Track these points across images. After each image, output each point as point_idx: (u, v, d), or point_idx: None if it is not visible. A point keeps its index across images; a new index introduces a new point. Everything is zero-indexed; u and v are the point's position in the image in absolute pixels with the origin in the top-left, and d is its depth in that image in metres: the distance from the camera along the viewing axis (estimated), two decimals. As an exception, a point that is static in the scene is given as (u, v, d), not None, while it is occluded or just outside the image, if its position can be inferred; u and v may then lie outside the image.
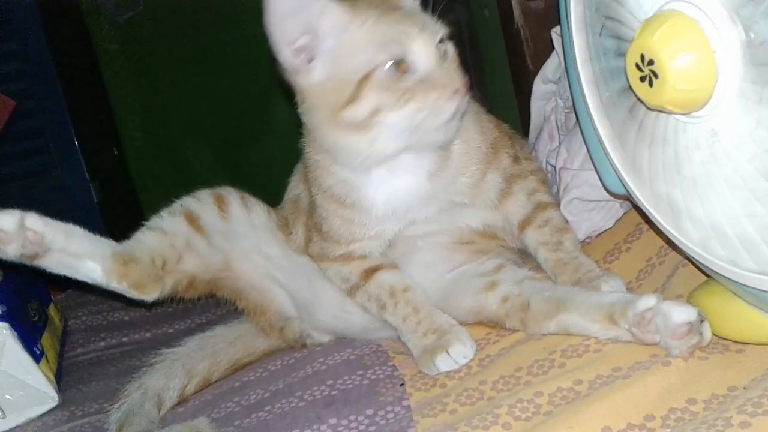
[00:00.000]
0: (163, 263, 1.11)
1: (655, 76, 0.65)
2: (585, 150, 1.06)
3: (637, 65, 0.67)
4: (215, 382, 1.19)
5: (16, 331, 1.19)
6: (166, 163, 2.54)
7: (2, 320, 1.18)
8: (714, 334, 0.79)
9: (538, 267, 1.09)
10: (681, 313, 0.77)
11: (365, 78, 0.87)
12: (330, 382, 1.00)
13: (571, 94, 1.00)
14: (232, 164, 2.53)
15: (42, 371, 1.20)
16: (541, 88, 1.34)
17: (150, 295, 1.10)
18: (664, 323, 0.78)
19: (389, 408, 0.89)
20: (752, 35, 0.60)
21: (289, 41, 0.88)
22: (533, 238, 1.07)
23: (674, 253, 0.96)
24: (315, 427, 0.89)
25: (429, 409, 0.84)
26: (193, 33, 2.41)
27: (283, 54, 0.89)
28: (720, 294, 0.77)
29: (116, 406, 1.07)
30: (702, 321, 0.77)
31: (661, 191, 0.77)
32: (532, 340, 0.93)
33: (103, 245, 1.07)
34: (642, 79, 0.67)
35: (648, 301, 0.80)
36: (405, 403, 0.89)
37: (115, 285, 1.07)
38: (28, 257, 1.01)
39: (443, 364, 0.94)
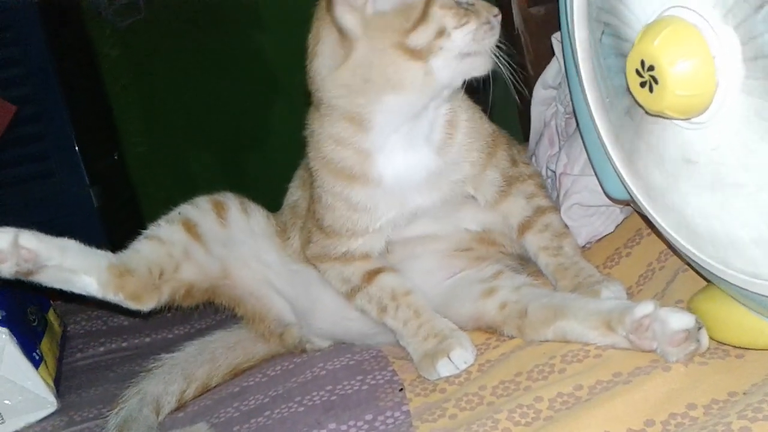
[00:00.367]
0: (160, 273, 1.11)
1: (656, 81, 0.65)
2: (585, 155, 1.06)
3: (637, 71, 0.67)
4: (214, 387, 1.18)
5: (15, 336, 1.18)
6: (167, 169, 2.54)
7: (1, 325, 1.17)
8: (714, 340, 0.78)
9: (537, 272, 1.09)
10: (678, 320, 0.76)
11: (439, 15, 0.92)
12: (329, 387, 1.00)
13: (572, 99, 1.00)
14: (233, 169, 2.53)
15: (41, 376, 1.20)
16: (541, 93, 1.34)
17: (146, 305, 1.10)
18: (661, 330, 0.77)
19: (389, 413, 0.89)
20: (752, 42, 0.60)
21: None
22: (533, 242, 1.07)
23: (674, 258, 0.96)
24: (314, 431, 0.89)
25: (428, 414, 0.84)
26: (194, 39, 2.42)
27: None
28: (720, 299, 0.77)
29: (115, 411, 1.07)
30: (699, 328, 0.77)
31: (660, 194, 0.77)
32: (533, 346, 0.92)
33: (99, 258, 1.07)
34: (642, 84, 0.67)
35: (645, 308, 0.80)
36: (404, 408, 0.89)
37: (112, 297, 1.07)
38: (23, 274, 1.01)
39: (444, 368, 0.93)
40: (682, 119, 0.68)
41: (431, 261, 1.10)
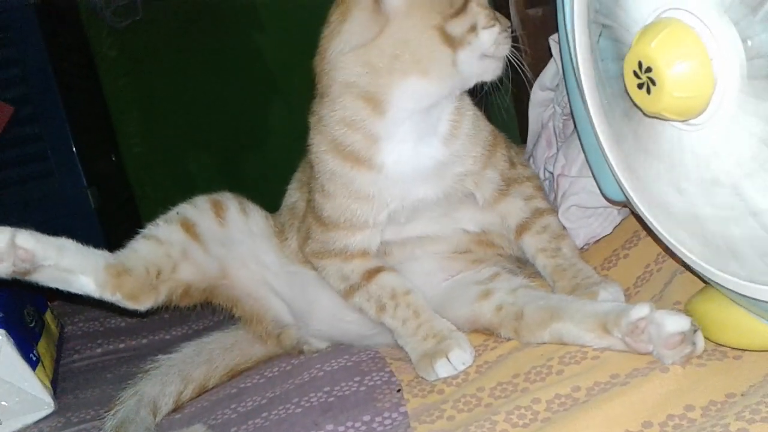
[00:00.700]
0: (157, 273, 1.11)
1: (653, 83, 0.65)
2: (583, 157, 1.06)
3: (634, 72, 0.67)
4: (211, 388, 1.18)
5: (12, 337, 1.18)
6: (165, 169, 2.54)
7: (-1, 326, 1.17)
8: (712, 341, 0.79)
9: (535, 274, 1.09)
10: (674, 323, 0.76)
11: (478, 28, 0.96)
12: (327, 388, 1.00)
13: (569, 100, 1.00)
14: (231, 170, 2.53)
15: (38, 378, 1.20)
16: (539, 95, 1.35)
17: (144, 305, 1.10)
18: (657, 332, 0.77)
19: (386, 414, 0.89)
20: (749, 43, 0.60)
21: None
22: (531, 244, 1.07)
23: (672, 260, 0.96)
24: (312, 433, 0.89)
25: (426, 416, 0.84)
26: (192, 39, 2.42)
27: None
28: (718, 301, 0.77)
29: (112, 412, 1.07)
30: (695, 331, 0.77)
31: (656, 197, 0.77)
32: (530, 347, 0.92)
33: (96, 258, 1.07)
34: (640, 86, 0.67)
35: (641, 310, 0.80)
36: (402, 409, 0.89)
37: (109, 296, 1.07)
38: (20, 274, 1.01)
39: (442, 369, 0.93)
40: (679, 121, 0.68)
41: (430, 263, 1.10)
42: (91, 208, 2.09)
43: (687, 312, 0.82)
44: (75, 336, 1.58)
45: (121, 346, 1.52)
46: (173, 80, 2.48)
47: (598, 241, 1.14)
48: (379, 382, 0.98)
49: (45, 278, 1.04)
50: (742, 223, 0.66)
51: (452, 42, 0.95)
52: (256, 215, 1.22)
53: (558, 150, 1.22)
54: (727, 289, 0.71)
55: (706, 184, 0.68)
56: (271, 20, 2.37)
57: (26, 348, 1.22)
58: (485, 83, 1.02)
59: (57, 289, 1.06)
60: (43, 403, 1.19)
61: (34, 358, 1.23)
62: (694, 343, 0.77)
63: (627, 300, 0.97)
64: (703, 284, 0.82)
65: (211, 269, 1.17)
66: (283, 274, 1.19)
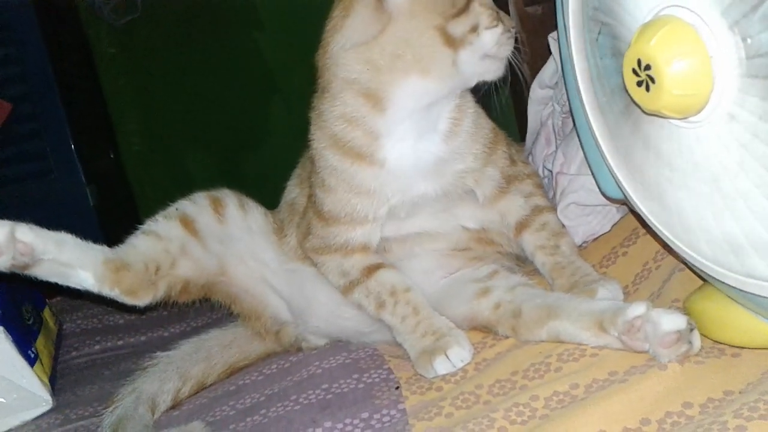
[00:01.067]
0: (156, 268, 1.11)
1: (652, 81, 0.65)
2: (582, 155, 1.06)
3: (633, 70, 0.67)
4: (210, 385, 1.18)
5: (10, 334, 1.18)
6: (164, 168, 2.54)
7: (-3, 323, 1.17)
8: (710, 339, 0.79)
9: (534, 272, 1.09)
10: (670, 322, 0.76)
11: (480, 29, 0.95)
12: (325, 385, 1.00)
13: (568, 98, 1.00)
14: (231, 168, 2.53)
15: (36, 374, 1.20)
16: (538, 93, 1.35)
17: (142, 301, 1.10)
18: (653, 331, 0.77)
19: (385, 411, 0.89)
20: (749, 41, 0.61)
21: None
22: (530, 241, 1.07)
23: (671, 257, 0.96)
24: (310, 430, 0.89)
25: (425, 413, 0.84)
26: (192, 37, 2.42)
27: None
28: (716, 298, 0.77)
29: (110, 409, 1.07)
30: (692, 329, 0.77)
31: (654, 193, 0.77)
32: (529, 345, 0.92)
33: (95, 252, 1.07)
34: (639, 83, 0.67)
35: (637, 309, 0.80)
36: (401, 406, 0.89)
37: (108, 291, 1.07)
38: (19, 268, 1.01)
39: (441, 366, 0.93)
40: (678, 118, 0.68)
41: (429, 260, 1.10)
42: (89, 206, 2.09)
43: (685, 310, 0.82)
44: (73, 333, 1.58)
45: (120, 343, 1.52)
46: (172, 78, 2.48)
47: (596, 238, 1.14)
48: (377, 380, 0.98)
49: (44, 272, 1.04)
50: (740, 220, 0.66)
51: (453, 42, 0.95)
52: (255, 212, 1.22)
53: (557, 148, 1.22)
54: (726, 285, 0.71)
55: (705, 181, 0.68)
56: (271, 18, 2.37)
57: (24, 345, 1.22)
58: (486, 82, 1.02)
59: (56, 285, 1.06)
60: (42, 400, 1.19)
61: (33, 355, 1.23)
62: (690, 342, 0.77)
63: (626, 297, 0.97)
64: (701, 282, 0.82)
65: (210, 266, 1.17)
66: (281, 272, 1.19)
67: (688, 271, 0.88)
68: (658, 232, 0.79)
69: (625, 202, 0.88)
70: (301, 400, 0.98)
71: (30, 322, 1.34)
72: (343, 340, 1.15)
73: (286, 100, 2.38)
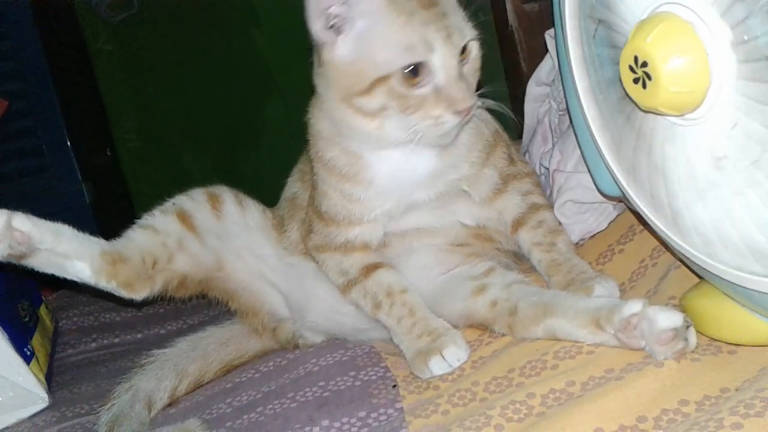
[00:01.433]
0: (153, 262, 1.11)
1: (649, 78, 0.65)
2: (578, 152, 1.06)
3: (630, 67, 0.67)
4: (207, 383, 1.18)
5: (6, 331, 1.18)
6: (160, 164, 2.53)
7: (-8, 321, 1.17)
8: (706, 336, 0.79)
9: (531, 269, 1.09)
10: (666, 319, 0.76)
11: (381, 79, 0.89)
12: (322, 383, 1.00)
13: (565, 96, 1.00)
14: (227, 165, 2.52)
15: (32, 372, 1.19)
16: (534, 90, 1.35)
17: (139, 295, 1.10)
18: (649, 329, 0.77)
19: (382, 410, 0.89)
20: (745, 38, 0.60)
21: (323, 7, 0.88)
22: (527, 238, 1.07)
23: (667, 254, 0.96)
24: (307, 428, 0.89)
25: (421, 410, 0.84)
26: (188, 34, 2.41)
27: (314, 18, 0.90)
28: (712, 295, 0.77)
29: (106, 407, 1.07)
30: (688, 327, 0.77)
31: (650, 189, 0.77)
32: (525, 342, 0.92)
33: (92, 244, 1.07)
34: (636, 81, 0.67)
35: (634, 307, 0.80)
36: (398, 405, 0.88)
37: (104, 284, 1.07)
38: (16, 257, 1.01)
39: (437, 366, 0.93)
40: (675, 116, 0.68)
41: (427, 256, 1.10)
42: (86, 203, 2.08)
43: (682, 307, 0.82)
44: (69, 330, 1.58)
45: (116, 340, 1.52)
46: (169, 75, 2.47)
47: (593, 236, 1.14)
48: (374, 377, 0.98)
49: (40, 263, 1.03)
50: (734, 218, 0.66)
51: (366, 114, 0.92)
52: (253, 208, 1.22)
53: (553, 145, 1.22)
54: (723, 280, 0.71)
55: (700, 178, 0.68)
56: (268, 16, 2.37)
57: (20, 342, 1.21)
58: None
59: (53, 278, 1.06)
60: (38, 397, 1.19)
61: (29, 353, 1.22)
62: (686, 339, 0.77)
63: (622, 295, 0.97)
64: (698, 279, 0.82)
65: (207, 261, 1.17)
66: (280, 267, 1.19)
67: (684, 268, 0.88)
68: (655, 228, 0.79)
69: (621, 200, 0.88)
70: (297, 397, 0.98)
71: (26, 319, 1.33)
72: (341, 338, 1.15)
73: (283, 97, 2.38)
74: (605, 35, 0.79)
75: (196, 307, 1.25)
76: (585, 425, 0.70)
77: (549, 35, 1.25)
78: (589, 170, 0.98)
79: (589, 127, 0.89)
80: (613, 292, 0.95)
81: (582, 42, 0.86)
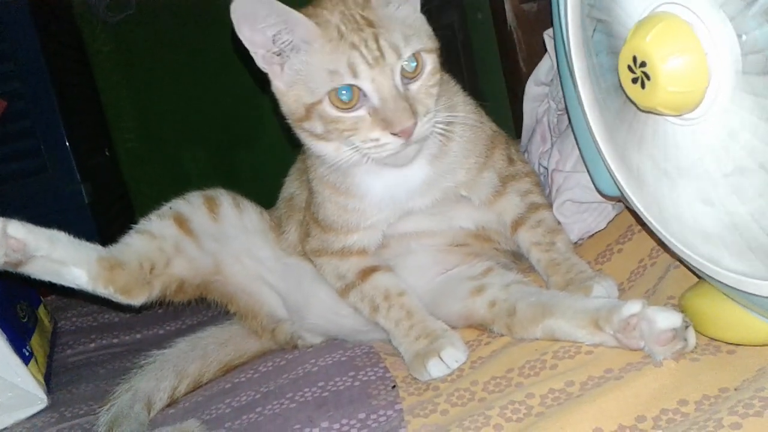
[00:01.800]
0: (151, 267, 1.11)
1: (647, 77, 0.65)
2: (577, 152, 1.06)
3: (629, 67, 0.67)
4: (206, 383, 1.18)
5: (4, 332, 1.18)
6: (159, 165, 2.53)
7: (-9, 321, 1.17)
8: (705, 336, 0.79)
9: (530, 269, 1.09)
10: (665, 320, 0.76)
11: (314, 104, 0.90)
12: (321, 383, 1.00)
13: (564, 95, 1.00)
14: (226, 166, 2.53)
15: (31, 373, 1.19)
16: (533, 90, 1.34)
17: (137, 300, 1.10)
18: (648, 329, 0.77)
19: (381, 412, 0.88)
20: (744, 38, 0.60)
21: (263, 44, 0.90)
22: (526, 238, 1.07)
23: (666, 254, 0.96)
24: (307, 429, 0.89)
25: (420, 409, 0.84)
26: (186, 34, 2.41)
27: (253, 54, 0.91)
28: (711, 295, 0.77)
29: (106, 408, 1.07)
30: (687, 327, 0.77)
31: (650, 190, 0.77)
32: (524, 342, 0.92)
33: (89, 250, 1.07)
34: (634, 80, 0.67)
35: (633, 307, 0.80)
36: (398, 407, 0.88)
37: (102, 290, 1.07)
38: (12, 265, 1.01)
39: (435, 369, 0.93)
40: (674, 115, 0.68)
41: (426, 256, 1.10)
42: (84, 203, 2.08)
43: (681, 307, 0.82)
44: (68, 331, 1.58)
45: (115, 341, 1.52)
46: (167, 75, 2.47)
47: (592, 236, 1.14)
48: (373, 378, 0.98)
49: (37, 270, 1.03)
50: (735, 217, 0.66)
51: (318, 137, 0.93)
52: (250, 211, 1.22)
53: (552, 145, 1.22)
54: (721, 282, 0.71)
55: (701, 178, 0.68)
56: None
57: (19, 343, 1.21)
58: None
59: (51, 284, 1.06)
60: (37, 398, 1.19)
61: (27, 354, 1.22)
62: (685, 339, 0.77)
63: (621, 294, 0.97)
64: (696, 279, 0.82)
65: (205, 264, 1.17)
66: (278, 268, 1.19)
67: (683, 268, 0.88)
68: (653, 229, 0.79)
69: (620, 199, 0.88)
70: (296, 398, 0.98)
71: (25, 320, 1.33)
72: (340, 338, 1.15)
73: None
74: (604, 40, 0.79)
75: (194, 307, 1.25)
76: (584, 425, 0.70)
77: (547, 35, 1.25)
78: (587, 170, 0.98)
79: (589, 128, 0.89)
80: (611, 292, 0.95)
81: (584, 49, 0.86)
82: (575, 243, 1.13)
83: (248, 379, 1.12)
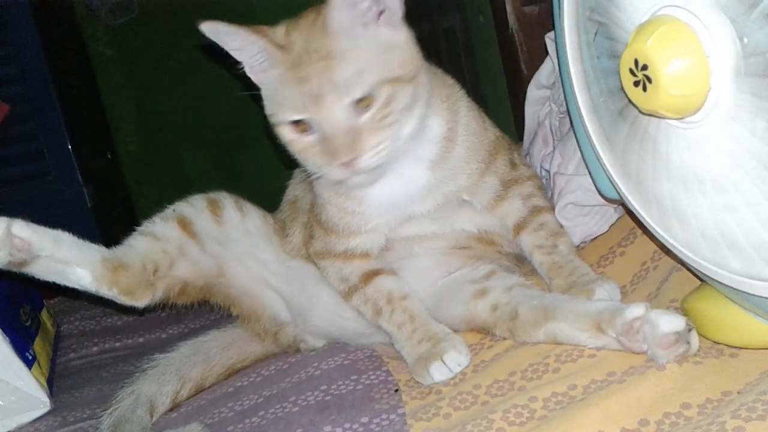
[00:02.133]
0: (154, 269, 1.11)
1: (649, 81, 0.65)
2: (579, 155, 1.06)
3: (630, 70, 0.67)
4: (208, 387, 1.18)
5: (7, 335, 1.18)
6: (161, 168, 2.54)
7: (-6, 325, 1.17)
8: (708, 339, 0.79)
9: (533, 272, 1.09)
10: (668, 323, 0.76)
11: (277, 125, 0.93)
12: (324, 387, 1.00)
13: (565, 98, 1.00)
14: (228, 169, 2.53)
15: (34, 376, 1.19)
16: (535, 93, 1.34)
17: (141, 302, 1.10)
18: (651, 332, 0.77)
19: (384, 416, 0.88)
20: (746, 41, 0.60)
21: (243, 58, 0.97)
22: (528, 241, 1.07)
23: (668, 257, 0.96)
24: (309, 432, 0.89)
25: (423, 413, 0.84)
26: (188, 37, 2.41)
27: (246, 65, 0.96)
28: (714, 298, 0.77)
29: (108, 411, 1.07)
30: (690, 330, 0.77)
31: (651, 194, 0.77)
32: (527, 345, 0.92)
33: (93, 251, 1.07)
34: (636, 83, 0.67)
35: (636, 310, 0.80)
36: (400, 411, 0.88)
37: (105, 291, 1.07)
38: (16, 264, 1.01)
39: (438, 372, 0.93)
40: (675, 119, 0.68)
41: (429, 259, 1.10)
42: (87, 206, 2.08)
43: (683, 310, 0.82)
44: (71, 335, 1.58)
45: (118, 344, 1.52)
46: (169, 78, 2.47)
47: (594, 239, 1.14)
48: (375, 381, 0.98)
49: (41, 270, 1.03)
50: (738, 220, 0.66)
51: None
52: (254, 214, 1.22)
53: (554, 148, 1.22)
54: (723, 285, 0.71)
55: (703, 181, 0.68)
56: (268, 17, 2.36)
57: (22, 347, 1.21)
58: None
59: (54, 285, 1.06)
60: (39, 402, 1.19)
61: (30, 357, 1.22)
62: (688, 343, 0.77)
63: (623, 298, 0.97)
64: (699, 282, 0.82)
65: (208, 267, 1.17)
66: (282, 271, 1.19)
67: (685, 271, 0.88)
68: (653, 232, 0.79)
69: (622, 202, 0.88)
70: (299, 401, 0.98)
71: (28, 323, 1.33)
72: (342, 341, 1.15)
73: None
74: (605, 43, 0.79)
75: (197, 311, 1.25)
76: (587, 429, 0.70)
77: (549, 38, 1.25)
78: (589, 173, 0.98)
79: (587, 131, 0.88)
80: (614, 295, 0.95)
81: (581, 53, 0.86)
82: (577, 246, 1.13)
83: (251, 382, 1.12)
